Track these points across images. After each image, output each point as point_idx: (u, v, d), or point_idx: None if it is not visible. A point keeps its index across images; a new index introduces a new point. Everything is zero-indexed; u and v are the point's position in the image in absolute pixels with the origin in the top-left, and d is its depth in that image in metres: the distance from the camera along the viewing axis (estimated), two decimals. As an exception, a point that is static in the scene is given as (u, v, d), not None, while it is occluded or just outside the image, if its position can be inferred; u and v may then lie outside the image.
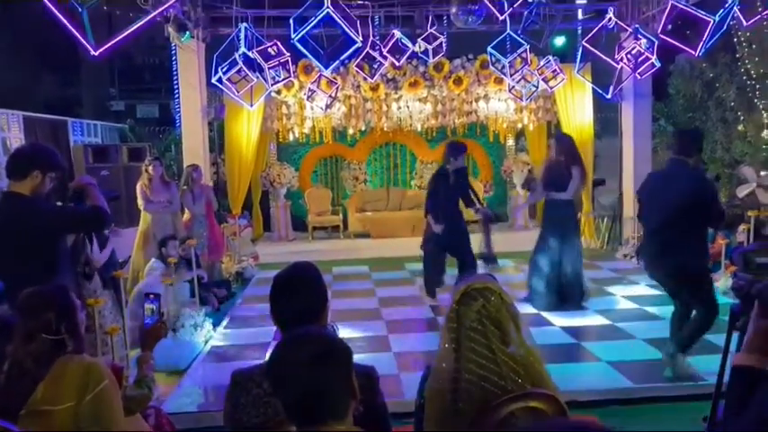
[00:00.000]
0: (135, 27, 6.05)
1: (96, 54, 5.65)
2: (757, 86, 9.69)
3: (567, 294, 6.24)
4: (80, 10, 5.24)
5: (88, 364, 2.07)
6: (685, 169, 4.26)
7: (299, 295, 1.95)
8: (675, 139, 4.64)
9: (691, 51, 7.18)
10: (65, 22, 5.31)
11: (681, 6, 6.55)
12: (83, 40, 5.43)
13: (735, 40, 9.44)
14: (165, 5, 6.55)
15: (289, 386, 1.39)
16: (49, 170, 3.08)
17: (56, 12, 5.22)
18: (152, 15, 6.29)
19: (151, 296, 2.68)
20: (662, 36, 7.18)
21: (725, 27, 6.83)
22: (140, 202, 6.90)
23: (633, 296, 6.69)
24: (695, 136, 4.56)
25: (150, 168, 6.95)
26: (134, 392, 2.48)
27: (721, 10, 6.35)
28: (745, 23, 7.23)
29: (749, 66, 9.58)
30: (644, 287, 7.09)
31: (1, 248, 3.09)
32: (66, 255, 3.30)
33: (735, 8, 6.43)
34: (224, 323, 6.18)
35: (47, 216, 3.06)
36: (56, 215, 3.15)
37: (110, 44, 5.81)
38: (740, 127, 10.46)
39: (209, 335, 5.61)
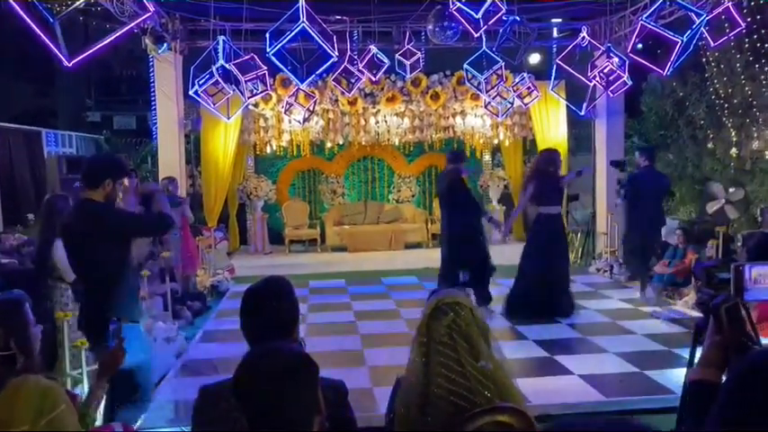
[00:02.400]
0: (110, 39, 6.02)
1: (70, 65, 5.60)
2: (726, 105, 9.94)
3: (560, 305, 6.35)
4: (51, 21, 5.19)
5: (44, 386, 1.97)
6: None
7: (270, 310, 1.94)
8: (649, 153, 7.26)
9: (659, 71, 7.35)
10: (38, 32, 5.25)
11: (650, 27, 6.71)
12: (56, 50, 5.38)
13: (704, 60, 9.69)
14: (142, 17, 6.53)
15: (253, 400, 1.39)
16: (120, 178, 3.39)
17: (29, 22, 5.16)
18: (128, 27, 6.26)
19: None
20: (631, 55, 7.35)
21: (692, 47, 7.02)
22: (114, 214, 6.82)
23: (606, 310, 6.77)
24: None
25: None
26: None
27: (689, 30, 6.52)
28: (712, 44, 7.44)
29: (717, 85, 9.83)
30: (616, 301, 7.19)
31: (77, 251, 3.35)
32: (130, 259, 3.49)
33: (702, 29, 6.61)
34: (198, 337, 6.11)
35: (119, 220, 3.33)
36: (126, 220, 3.41)
37: (84, 55, 5.76)
38: (710, 144, 10.70)
39: (182, 349, 5.54)
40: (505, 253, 7.48)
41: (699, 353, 2.22)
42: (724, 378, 1.52)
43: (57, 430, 1.92)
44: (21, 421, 1.88)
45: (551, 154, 6.58)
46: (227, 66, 7.30)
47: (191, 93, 7.88)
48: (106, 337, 3.01)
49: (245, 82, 7.53)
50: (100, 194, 3.27)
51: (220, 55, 7.35)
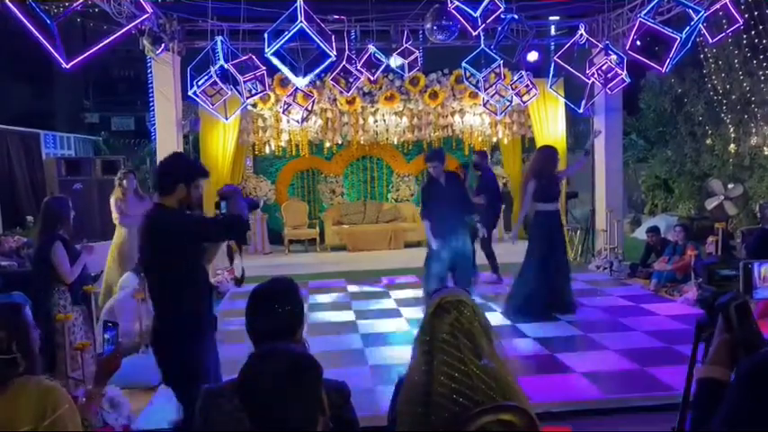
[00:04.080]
0: (108, 40, 6.00)
1: (68, 67, 5.59)
2: (724, 101, 9.95)
3: (564, 303, 6.38)
4: (48, 22, 5.17)
5: (46, 387, 1.98)
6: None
7: (277, 310, 1.95)
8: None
9: (658, 68, 7.34)
10: (36, 34, 5.24)
11: (648, 24, 6.71)
12: (54, 52, 5.37)
13: (702, 56, 9.70)
14: (140, 19, 6.51)
15: (257, 401, 1.39)
16: (193, 180, 3.18)
17: (27, 23, 5.15)
18: (126, 29, 6.24)
19: (109, 324, 2.54)
20: (629, 52, 7.34)
21: (690, 44, 7.01)
22: (115, 215, 6.82)
23: (606, 307, 6.78)
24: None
25: (124, 182, 6.88)
26: None
27: (687, 27, 6.52)
28: (710, 41, 7.44)
29: (716, 82, 9.84)
30: (616, 298, 7.20)
31: (148, 258, 3.22)
32: (203, 267, 3.34)
33: (700, 26, 6.61)
34: (198, 338, 6.10)
35: (188, 225, 3.15)
36: (196, 224, 3.22)
37: (82, 57, 5.74)
38: (708, 141, 10.71)
39: (182, 350, 5.53)
40: (501, 251, 7.50)
41: (700, 350, 2.22)
42: (732, 376, 1.52)
43: (59, 431, 1.92)
44: (23, 422, 1.89)
45: (549, 151, 6.59)
46: (225, 66, 7.29)
47: (189, 93, 7.86)
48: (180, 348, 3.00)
49: (244, 82, 7.52)
50: (173, 200, 3.11)
51: (219, 55, 7.33)
